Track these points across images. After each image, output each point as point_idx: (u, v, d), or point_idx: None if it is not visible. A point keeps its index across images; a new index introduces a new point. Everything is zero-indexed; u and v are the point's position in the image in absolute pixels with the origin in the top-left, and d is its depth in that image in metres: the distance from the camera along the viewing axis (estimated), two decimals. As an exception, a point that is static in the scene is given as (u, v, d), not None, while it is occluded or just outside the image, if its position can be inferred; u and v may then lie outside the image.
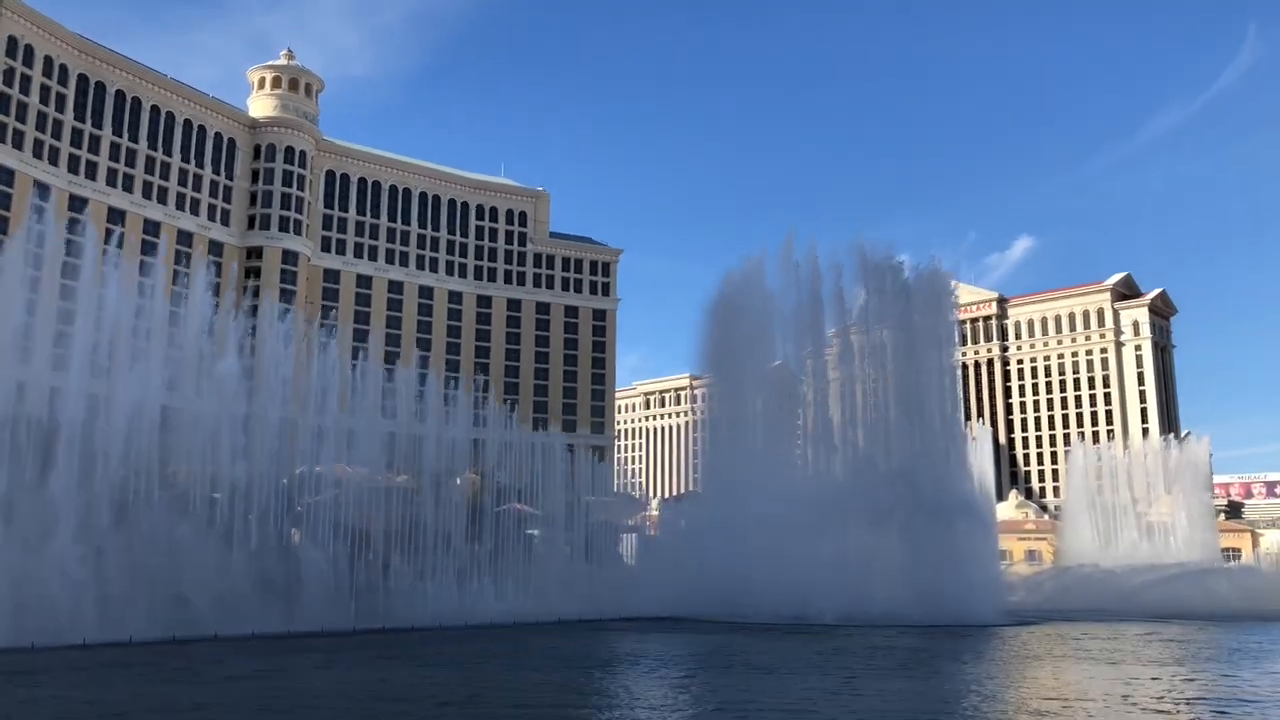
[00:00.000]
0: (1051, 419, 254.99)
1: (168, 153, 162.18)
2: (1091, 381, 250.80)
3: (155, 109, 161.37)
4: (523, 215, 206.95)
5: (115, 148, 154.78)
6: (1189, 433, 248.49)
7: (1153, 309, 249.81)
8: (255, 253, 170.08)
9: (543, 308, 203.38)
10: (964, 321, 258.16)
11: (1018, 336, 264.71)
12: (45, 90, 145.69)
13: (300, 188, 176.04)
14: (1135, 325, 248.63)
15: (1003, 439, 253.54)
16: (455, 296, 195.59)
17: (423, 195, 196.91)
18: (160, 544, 71.21)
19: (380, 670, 50.17)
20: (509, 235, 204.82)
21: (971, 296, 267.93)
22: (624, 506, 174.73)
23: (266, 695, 41.34)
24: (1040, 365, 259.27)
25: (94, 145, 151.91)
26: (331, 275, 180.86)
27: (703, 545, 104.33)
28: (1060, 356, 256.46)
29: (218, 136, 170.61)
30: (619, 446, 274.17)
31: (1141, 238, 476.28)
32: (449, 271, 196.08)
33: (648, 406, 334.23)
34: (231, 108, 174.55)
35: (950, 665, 54.10)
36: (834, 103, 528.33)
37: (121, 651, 56.77)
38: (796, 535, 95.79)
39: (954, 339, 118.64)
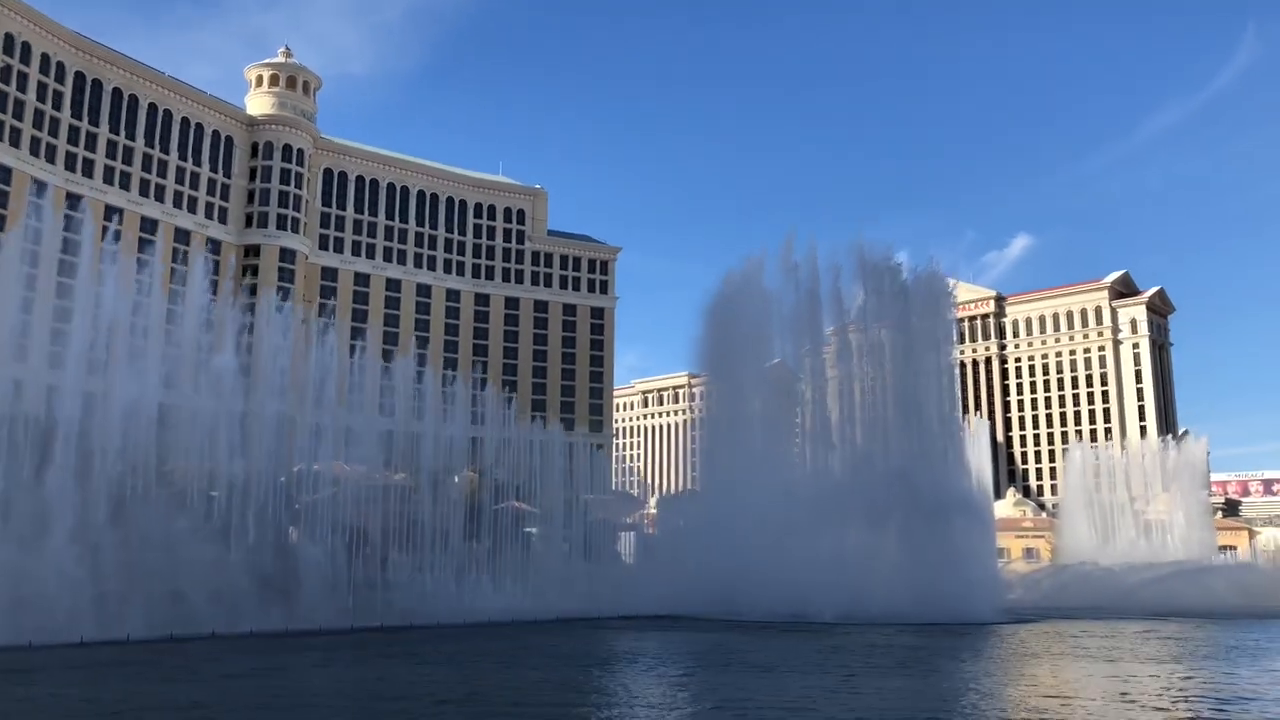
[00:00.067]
0: (1049, 417, 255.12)
1: (165, 150, 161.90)
2: (1089, 380, 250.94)
3: (153, 107, 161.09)
4: (521, 213, 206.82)
5: (113, 145, 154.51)
6: (1186, 431, 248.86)
7: (1150, 307, 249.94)
8: (253, 251, 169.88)
9: (541, 306, 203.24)
10: (962, 319, 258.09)
11: (1015, 335, 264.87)
12: (43, 88, 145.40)
13: (298, 186, 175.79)
14: (1133, 323, 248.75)
15: (1000, 437, 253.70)
16: (453, 295, 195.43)
17: (421, 193, 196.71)
18: (158, 542, 71.12)
19: (379, 668, 50.12)
20: (507, 233, 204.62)
21: (969, 295, 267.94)
22: (622, 505, 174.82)
23: (265, 693, 41.29)
24: (1038, 363, 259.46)
25: (91, 143, 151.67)
26: (329, 273, 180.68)
27: (701, 544, 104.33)
28: (1058, 355, 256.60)
29: (215, 134, 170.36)
30: (617, 445, 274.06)
31: (1139, 236, 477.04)
32: (447, 270, 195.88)
33: (646, 405, 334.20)
34: (229, 105, 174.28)
35: (949, 663, 54.11)
36: (833, 102, 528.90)
37: (119, 649, 56.70)
38: (795, 533, 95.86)
39: (952, 339, 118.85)
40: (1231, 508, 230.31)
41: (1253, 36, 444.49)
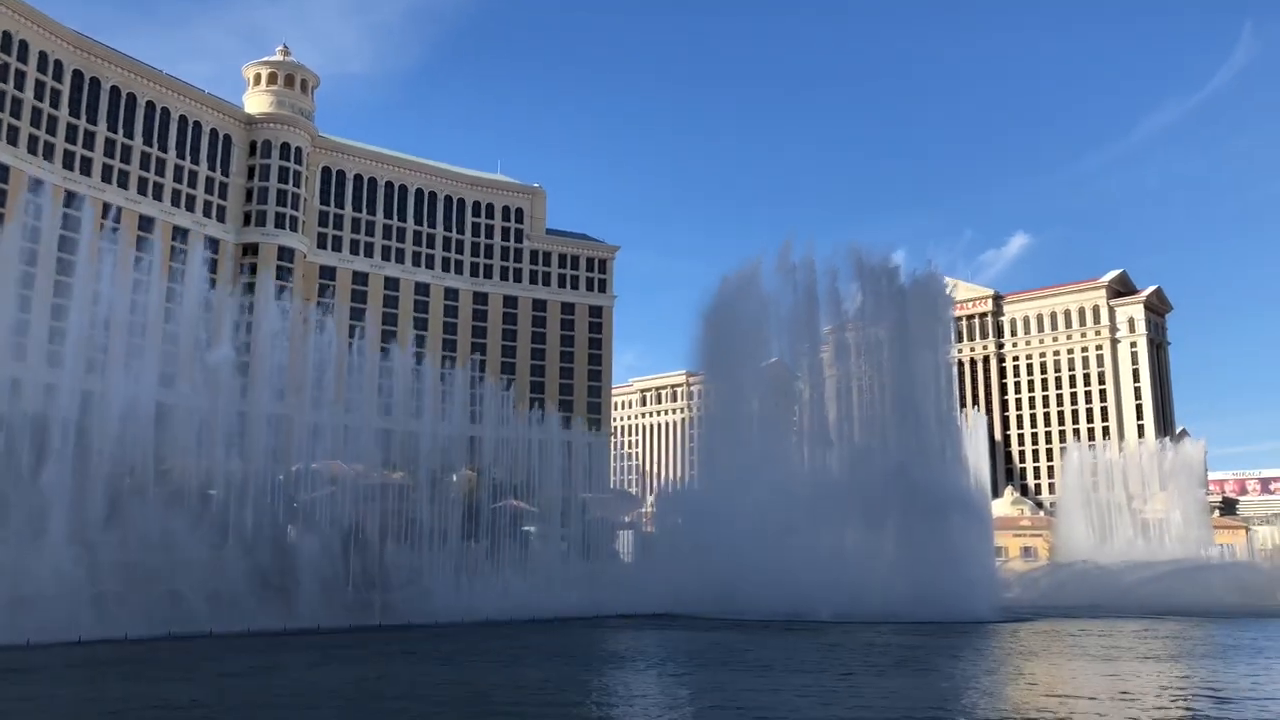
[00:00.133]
0: (1047, 416, 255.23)
1: (163, 149, 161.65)
2: (1087, 378, 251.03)
3: (151, 105, 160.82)
4: (519, 212, 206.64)
5: (110, 144, 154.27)
6: (1184, 429, 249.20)
7: (1148, 306, 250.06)
8: (251, 249, 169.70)
9: (539, 304, 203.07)
10: (960, 318, 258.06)
11: (1013, 333, 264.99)
12: (40, 86, 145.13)
13: (296, 184, 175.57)
14: (1130, 322, 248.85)
15: (998, 435, 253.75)
16: (451, 293, 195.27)
17: (419, 192, 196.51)
18: (156, 541, 71.10)
19: (378, 667, 50.13)
20: (505, 232, 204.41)
21: (967, 293, 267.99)
22: (620, 503, 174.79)
23: (264, 692, 41.29)
24: (1036, 362, 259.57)
25: (89, 141, 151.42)
26: (328, 272, 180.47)
27: (699, 542, 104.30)
28: (1056, 353, 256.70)
29: (213, 133, 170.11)
30: (615, 443, 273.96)
31: (1137, 236, 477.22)
32: (445, 268, 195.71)
33: (644, 403, 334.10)
34: (227, 104, 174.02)
35: (947, 662, 54.17)
36: (832, 100, 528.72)
37: (117, 648, 56.69)
38: (793, 532, 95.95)
39: (950, 339, 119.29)
40: (1229, 506, 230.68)
41: (1250, 36, 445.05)
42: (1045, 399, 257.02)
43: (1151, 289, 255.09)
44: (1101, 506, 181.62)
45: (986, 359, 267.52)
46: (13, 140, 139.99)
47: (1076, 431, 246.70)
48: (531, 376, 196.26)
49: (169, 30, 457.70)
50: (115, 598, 67.58)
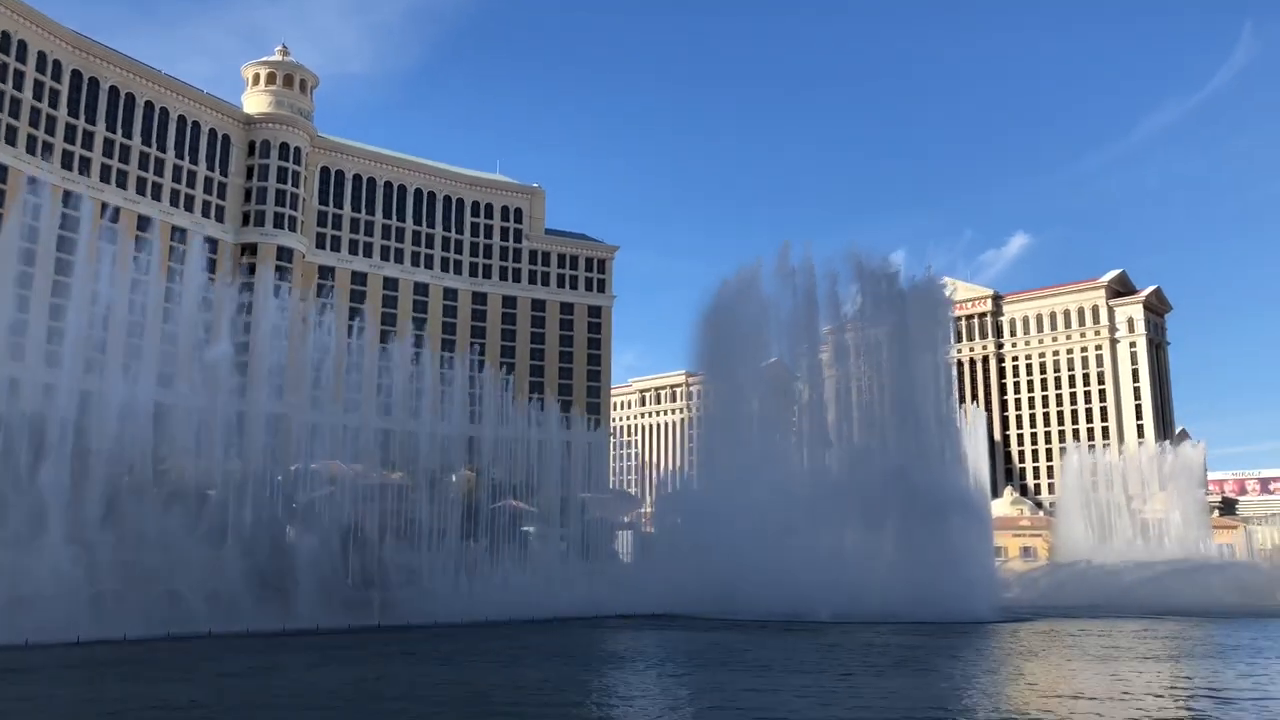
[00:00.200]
0: (1046, 416, 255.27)
1: (162, 149, 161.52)
2: (1086, 378, 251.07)
3: (149, 105, 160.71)
4: (518, 212, 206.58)
5: (109, 144, 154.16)
6: (1183, 430, 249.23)
7: (1147, 306, 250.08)
8: (250, 249, 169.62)
9: (538, 305, 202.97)
10: (959, 318, 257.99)
11: (1013, 333, 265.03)
12: (39, 86, 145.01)
13: (295, 184, 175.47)
14: (1130, 322, 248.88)
15: (998, 436, 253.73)
16: (451, 293, 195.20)
17: (418, 192, 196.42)
18: (154, 541, 71.05)
19: (377, 668, 50.08)
20: (504, 232, 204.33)
21: (967, 293, 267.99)
22: (620, 503, 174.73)
23: (262, 693, 41.23)
24: (1035, 362, 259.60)
25: (88, 141, 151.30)
26: (326, 272, 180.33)
27: (698, 542, 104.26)
28: (1055, 353, 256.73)
29: (212, 133, 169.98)
30: (615, 443, 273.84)
31: (1137, 236, 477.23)
32: (444, 268, 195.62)
33: (643, 403, 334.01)
34: (226, 104, 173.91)
35: (946, 662, 54.12)
36: (831, 100, 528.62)
37: (116, 649, 56.63)
38: (792, 532, 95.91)
39: (949, 341, 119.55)
40: (1228, 506, 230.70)
41: (1250, 36, 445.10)
42: (1045, 399, 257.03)
43: (1151, 289, 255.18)
44: (1101, 507, 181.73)
45: (986, 359, 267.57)
46: (11, 140, 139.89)
47: (1076, 432, 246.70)
48: (531, 377, 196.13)
49: (168, 30, 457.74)
50: (114, 598, 67.52)
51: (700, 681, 45.06)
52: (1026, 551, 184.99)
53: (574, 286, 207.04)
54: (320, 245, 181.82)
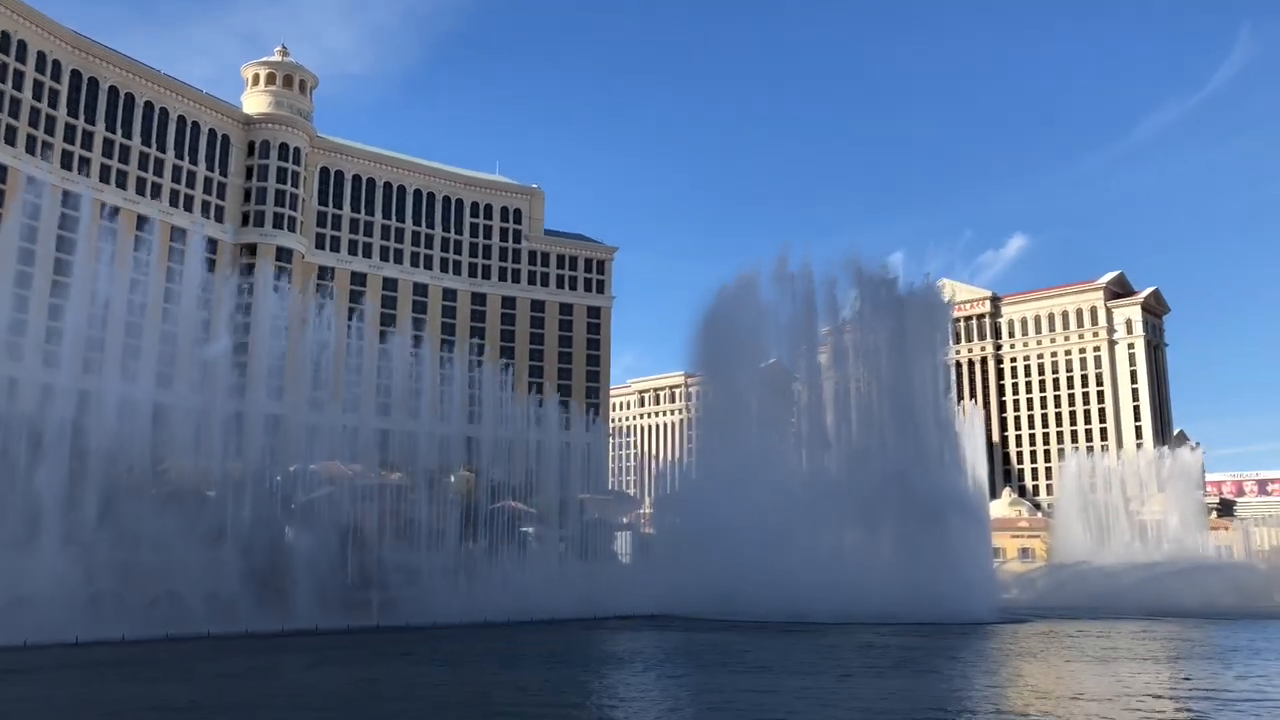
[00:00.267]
0: (1045, 417, 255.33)
1: (161, 149, 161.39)
2: (1084, 380, 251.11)
3: (149, 105, 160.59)
4: (518, 213, 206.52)
5: (109, 144, 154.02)
6: (1181, 431, 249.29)
7: (1145, 307, 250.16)
8: (249, 249, 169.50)
9: (538, 305, 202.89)
10: (958, 320, 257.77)
11: (1011, 335, 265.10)
12: (38, 86, 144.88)
13: (294, 185, 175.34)
14: (1128, 324, 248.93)
15: (996, 437, 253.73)
16: (450, 294, 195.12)
17: (417, 192, 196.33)
18: (152, 541, 71.02)
19: (376, 669, 50.07)
20: (504, 233, 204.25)
21: (965, 295, 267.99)
22: (619, 504, 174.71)
23: (260, 694, 41.24)
24: (1033, 363, 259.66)
25: (87, 141, 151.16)
26: (326, 272, 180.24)
27: (697, 544, 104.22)
28: (1053, 355, 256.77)
29: (211, 133, 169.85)
30: (614, 444, 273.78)
31: (1135, 236, 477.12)
32: (443, 269, 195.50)
33: (642, 404, 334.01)
34: (225, 104, 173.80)
35: (945, 663, 54.15)
36: (830, 101, 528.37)
37: (114, 649, 56.62)
38: (791, 534, 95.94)
39: (948, 345, 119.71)
40: (1226, 508, 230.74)
41: (1247, 37, 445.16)
42: (1043, 401, 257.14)
43: (1149, 290, 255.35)
44: (1099, 508, 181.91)
45: (984, 360, 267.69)
46: (10, 140, 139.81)
47: (1074, 434, 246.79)
48: (530, 377, 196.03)
49: (167, 30, 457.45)
50: (112, 598, 67.55)
51: (700, 683, 45.07)
52: (1025, 553, 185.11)
53: (573, 287, 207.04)
54: (319, 245, 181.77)
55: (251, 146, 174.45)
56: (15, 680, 44.05)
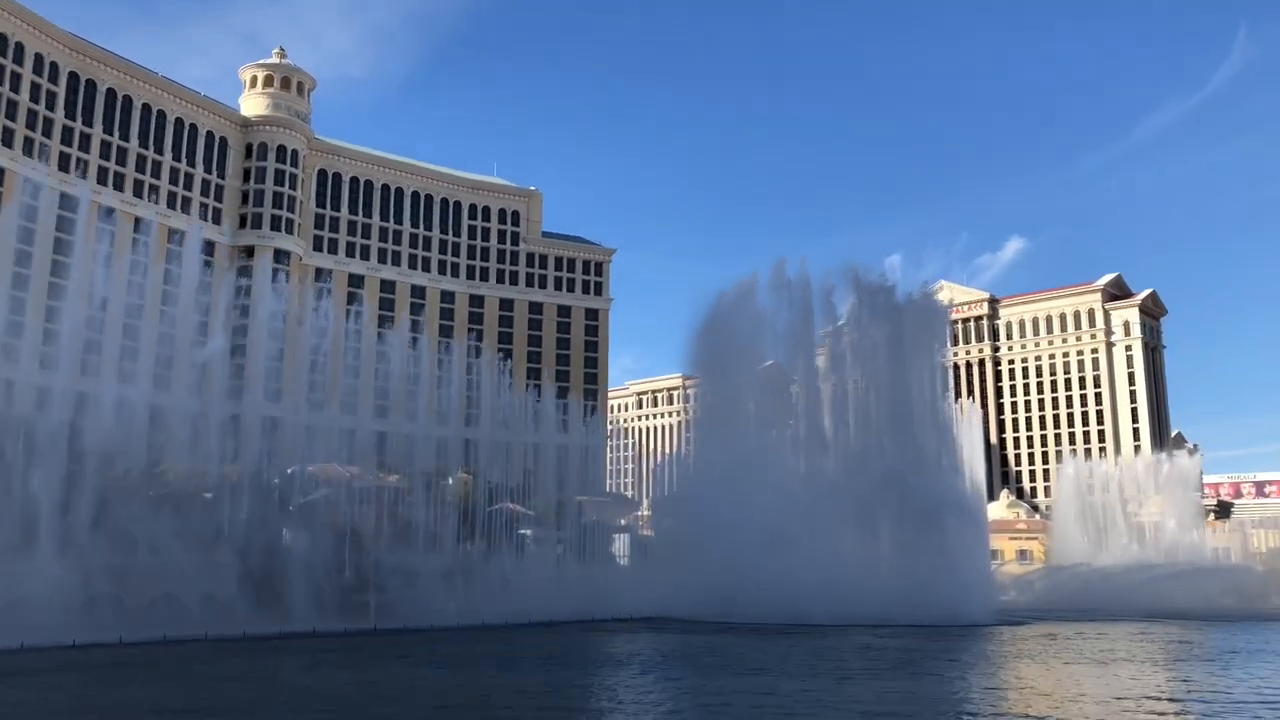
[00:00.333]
0: (1042, 419, 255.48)
1: (159, 151, 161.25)
2: (1082, 382, 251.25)
3: (146, 107, 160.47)
4: (515, 214, 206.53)
5: (106, 146, 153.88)
6: (1179, 433, 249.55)
7: (1143, 310, 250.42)
8: (247, 251, 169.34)
9: (536, 307, 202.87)
10: (955, 322, 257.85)
11: (1009, 337, 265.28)
12: (35, 88, 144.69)
13: (292, 187, 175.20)
14: (1126, 326, 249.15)
15: (994, 439, 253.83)
16: (448, 296, 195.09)
17: (415, 194, 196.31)
18: (149, 544, 70.93)
19: (374, 671, 49.99)
20: (502, 235, 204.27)
21: (963, 297, 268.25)
22: (616, 506, 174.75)
23: (258, 696, 41.16)
24: (1031, 366, 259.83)
25: (84, 143, 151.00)
26: (323, 275, 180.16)
27: (695, 546, 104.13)
28: (1051, 357, 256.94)
29: (209, 135, 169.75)
30: (611, 446, 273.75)
31: (1133, 237, 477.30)
32: (441, 271, 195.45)
33: (640, 406, 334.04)
34: (223, 106, 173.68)
35: (944, 665, 54.13)
36: (828, 102, 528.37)
37: (111, 652, 56.49)
38: (789, 535, 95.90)
39: (945, 347, 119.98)
40: (1224, 510, 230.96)
41: (1245, 38, 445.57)
42: (1041, 403, 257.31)
43: (1146, 293, 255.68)
44: (1096, 510, 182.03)
45: (982, 362, 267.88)
46: (8, 142, 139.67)
47: (1072, 435, 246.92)
48: (528, 379, 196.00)
49: (166, 31, 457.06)
50: (109, 601, 67.43)
51: (698, 685, 45.01)
52: (1023, 554, 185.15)
53: (571, 289, 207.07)
54: (317, 248, 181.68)
55: (249, 149, 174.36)
56: (12, 683, 43.93)
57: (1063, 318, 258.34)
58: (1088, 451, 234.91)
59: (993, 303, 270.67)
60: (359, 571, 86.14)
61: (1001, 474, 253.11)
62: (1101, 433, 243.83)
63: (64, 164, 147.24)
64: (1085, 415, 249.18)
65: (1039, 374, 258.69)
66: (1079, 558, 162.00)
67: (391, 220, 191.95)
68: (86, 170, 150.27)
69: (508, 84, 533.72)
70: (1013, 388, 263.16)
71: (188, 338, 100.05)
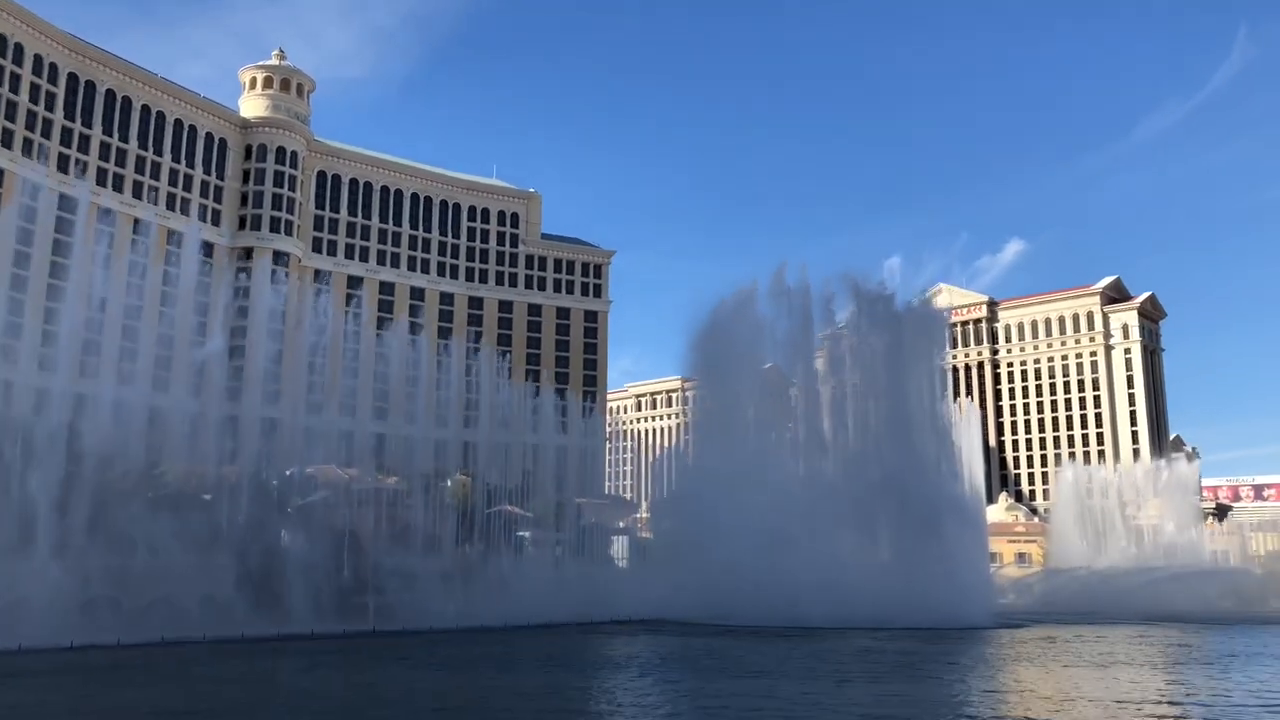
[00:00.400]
0: (1041, 422, 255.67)
1: (158, 152, 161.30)
2: (1081, 385, 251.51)
3: (146, 108, 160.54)
4: (514, 216, 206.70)
5: (105, 147, 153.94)
6: (1177, 436, 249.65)
7: (1142, 312, 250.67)
8: (246, 253, 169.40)
9: (535, 309, 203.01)
10: (954, 324, 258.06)
11: (1008, 339, 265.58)
12: (35, 89, 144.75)
13: (291, 188, 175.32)
14: (1125, 329, 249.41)
15: (993, 442, 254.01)
16: (447, 298, 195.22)
17: (414, 196, 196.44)
18: (148, 545, 70.86)
19: (373, 673, 49.94)
20: (501, 236, 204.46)
21: (962, 300, 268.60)
22: (615, 508, 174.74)
23: (256, 698, 41.12)
24: (1030, 368, 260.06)
25: (84, 144, 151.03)
26: (322, 276, 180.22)
27: (693, 548, 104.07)
28: (1050, 360, 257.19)
29: (209, 136, 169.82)
30: (610, 448, 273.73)
31: (1133, 239, 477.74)
32: (440, 273, 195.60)
33: (639, 408, 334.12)
34: (222, 107, 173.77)
35: (942, 668, 54.12)
36: (828, 103, 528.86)
37: (109, 653, 56.41)
38: (787, 537, 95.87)
39: (945, 352, 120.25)
40: (1222, 513, 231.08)
41: (1245, 39, 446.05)
42: (1040, 405, 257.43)
43: (1145, 296, 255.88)
44: (1095, 514, 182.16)
45: (981, 365, 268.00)
46: (7, 143, 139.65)
47: (1070, 438, 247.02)
48: (527, 381, 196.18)
49: (166, 31, 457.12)
50: (107, 602, 67.38)
51: (697, 687, 44.97)
52: (1021, 557, 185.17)
53: (570, 291, 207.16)
54: (316, 249, 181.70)
55: (249, 150, 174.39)
56: (10, 685, 43.86)
57: (1061, 320, 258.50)
58: (1086, 455, 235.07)
59: (991, 305, 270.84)
60: (357, 573, 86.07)
61: (1000, 477, 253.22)
62: (1100, 436, 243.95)
63: (63, 165, 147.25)
64: (1084, 418, 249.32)
65: (1038, 377, 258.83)
66: (1078, 561, 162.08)
67: (391, 222, 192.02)
68: (86, 171, 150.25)
69: (507, 84, 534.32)
70: (1011, 391, 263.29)
71: (186, 339, 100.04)
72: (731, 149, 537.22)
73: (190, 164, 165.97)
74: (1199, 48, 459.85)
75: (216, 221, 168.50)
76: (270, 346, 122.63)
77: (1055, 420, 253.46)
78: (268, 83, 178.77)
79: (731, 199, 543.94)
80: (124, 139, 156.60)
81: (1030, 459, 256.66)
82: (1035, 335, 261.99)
